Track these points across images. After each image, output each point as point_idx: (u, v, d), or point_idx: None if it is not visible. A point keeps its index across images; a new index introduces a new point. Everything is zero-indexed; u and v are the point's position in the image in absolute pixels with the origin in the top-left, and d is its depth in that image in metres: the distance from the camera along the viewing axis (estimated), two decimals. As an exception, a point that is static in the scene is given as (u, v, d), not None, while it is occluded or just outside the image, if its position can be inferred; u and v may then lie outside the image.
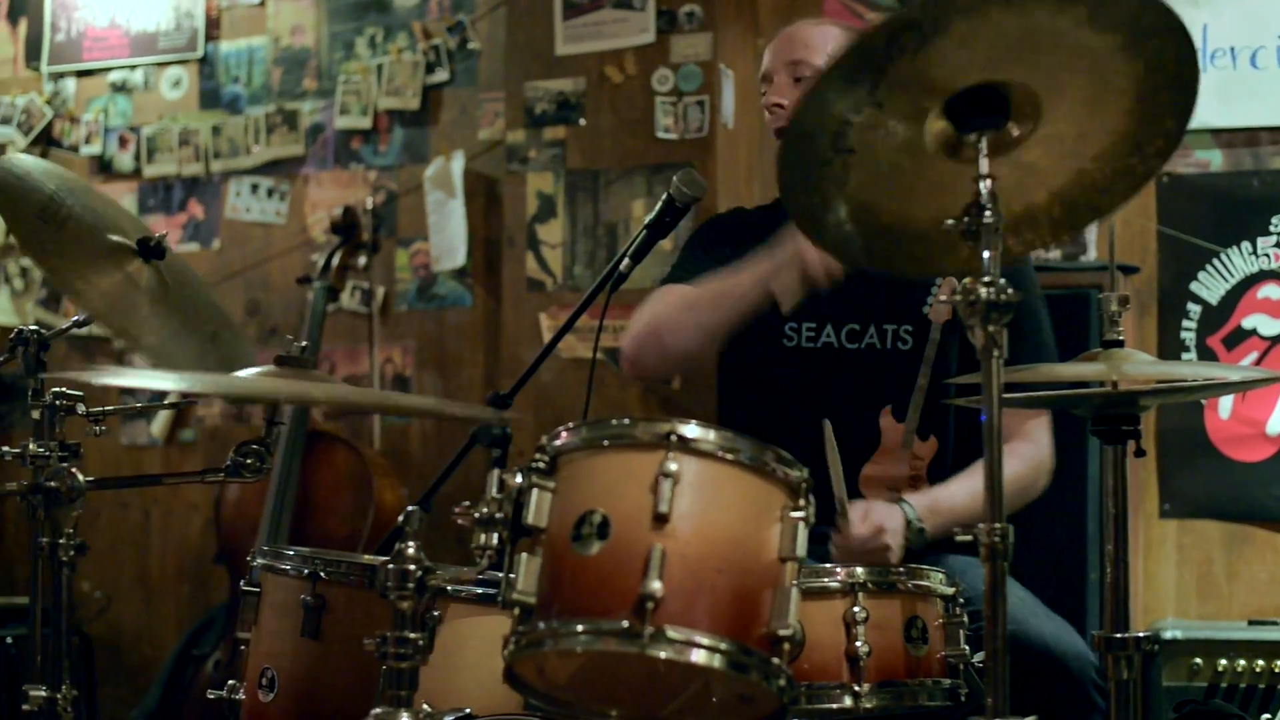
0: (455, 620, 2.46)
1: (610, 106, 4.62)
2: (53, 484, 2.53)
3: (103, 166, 5.43)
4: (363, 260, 4.72)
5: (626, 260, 3.37)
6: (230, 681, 2.67)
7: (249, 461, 2.41)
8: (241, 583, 2.74)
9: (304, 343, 2.38)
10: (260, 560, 2.71)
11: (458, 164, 4.83)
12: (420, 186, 4.91)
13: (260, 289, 5.09)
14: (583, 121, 4.63)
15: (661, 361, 3.28)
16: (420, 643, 2.20)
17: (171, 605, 5.16)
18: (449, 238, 4.83)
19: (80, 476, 2.55)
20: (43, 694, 2.63)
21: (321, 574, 2.57)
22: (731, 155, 4.54)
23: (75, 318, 3.11)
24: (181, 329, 2.84)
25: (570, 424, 2.18)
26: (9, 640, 4.79)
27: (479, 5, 4.95)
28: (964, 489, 3.05)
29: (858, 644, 2.36)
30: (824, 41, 3.25)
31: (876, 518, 2.86)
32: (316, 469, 4.34)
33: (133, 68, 5.42)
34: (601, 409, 3.79)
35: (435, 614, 2.23)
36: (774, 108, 3.26)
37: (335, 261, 4.65)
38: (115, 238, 2.89)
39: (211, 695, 2.69)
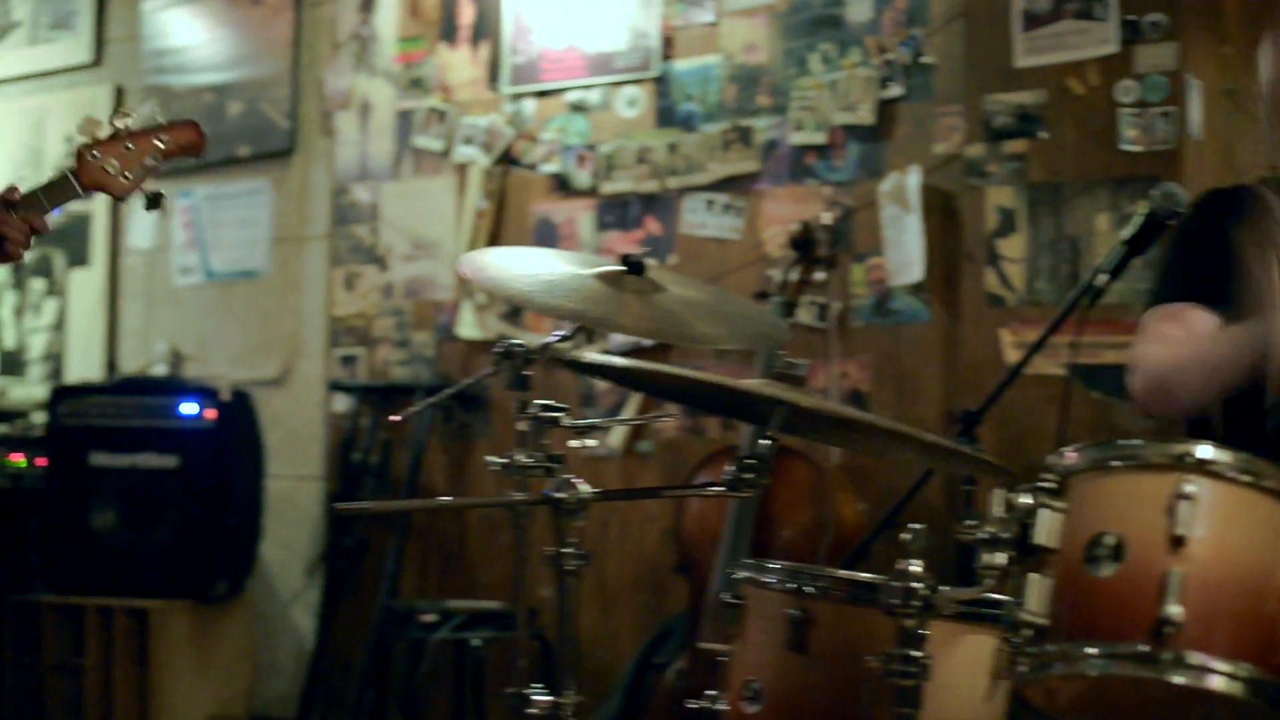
0: (935, 638, 2.50)
1: (1072, 119, 4.60)
2: (561, 495, 2.67)
3: (561, 184, 5.65)
4: (819, 276, 4.79)
5: (1103, 276, 3.37)
6: (710, 692, 2.77)
7: (749, 476, 2.50)
8: (721, 594, 2.84)
9: (804, 361, 2.46)
10: (743, 573, 2.81)
11: (914, 179, 4.87)
12: (875, 202, 4.97)
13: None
14: (1044, 134, 4.63)
15: (1171, 409, 3.10)
16: (925, 661, 2.26)
17: (628, 613, 5.34)
18: (905, 253, 4.88)
19: (585, 488, 2.68)
20: (547, 698, 2.77)
21: (807, 588, 2.65)
22: (1200, 168, 4.46)
23: (559, 332, 3.28)
24: (716, 316, 2.94)
25: (1078, 444, 2.21)
26: (476, 643, 5.04)
27: (934, 19, 4.98)
28: None
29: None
30: None
31: None
32: (776, 482, 4.41)
33: (589, 87, 5.63)
34: (1070, 429, 3.78)
35: (924, 632, 2.29)
36: None
37: (792, 277, 4.74)
38: (598, 269, 3.04)
39: (692, 705, 2.80)
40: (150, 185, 3.07)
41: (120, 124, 3.03)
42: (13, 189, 3.00)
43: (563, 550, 2.71)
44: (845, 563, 4.16)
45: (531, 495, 2.73)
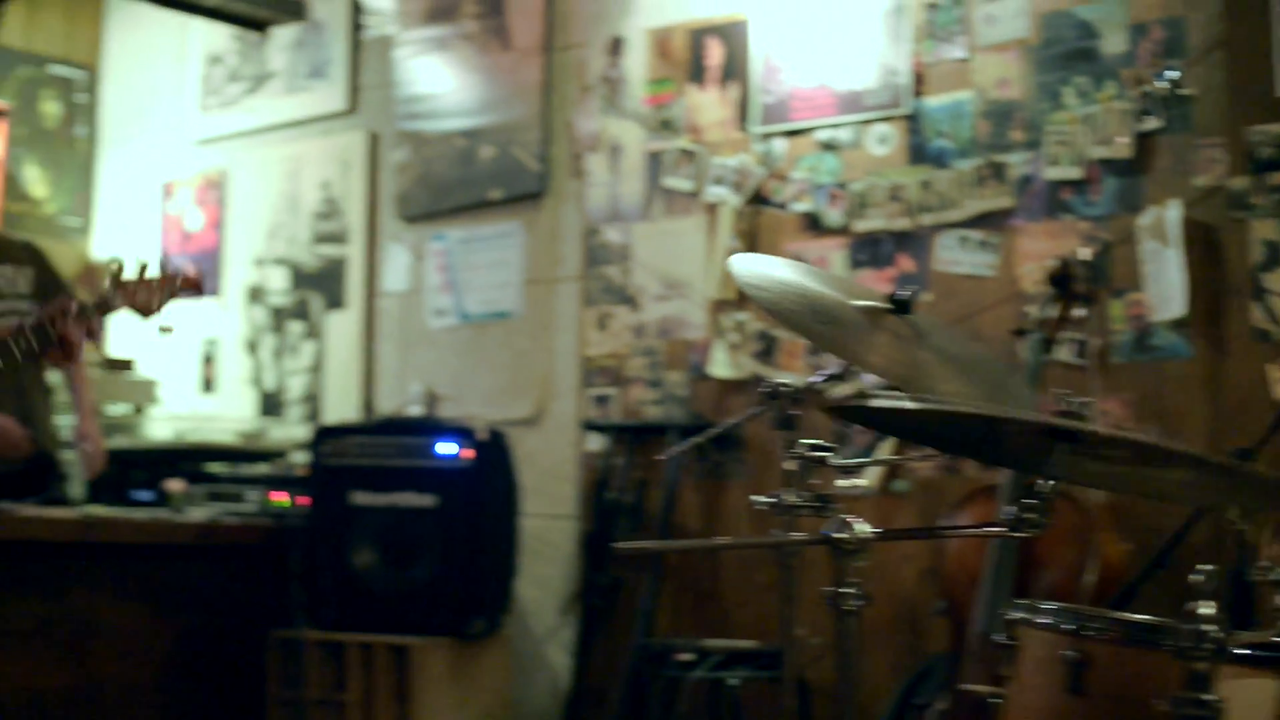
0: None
1: (1340, 149, 4.56)
2: (841, 535, 2.73)
3: (812, 223, 5.71)
4: (1078, 312, 4.79)
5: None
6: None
7: (1030, 517, 2.52)
8: (993, 634, 2.87)
9: (1087, 399, 2.48)
10: (1017, 614, 2.83)
11: (1174, 212, 4.85)
12: (1134, 236, 4.95)
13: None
14: (1310, 166, 4.59)
15: None
16: (1217, 705, 2.27)
17: (886, 653, 5.36)
18: (1166, 288, 4.85)
19: (864, 528, 2.73)
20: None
21: (1085, 630, 2.67)
22: None
23: (824, 372, 3.35)
24: (964, 375, 2.99)
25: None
26: (733, 682, 5.09)
27: (1192, 50, 4.95)
28: None
29: None
30: None
31: None
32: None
33: (840, 126, 5.69)
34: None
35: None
36: None
37: (1050, 314, 4.74)
38: (862, 302, 3.10)
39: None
40: (166, 317, 4.08)
41: (145, 272, 4.02)
42: (68, 300, 3.91)
43: (842, 590, 2.76)
44: (1113, 603, 4.15)
45: (810, 535, 2.78)
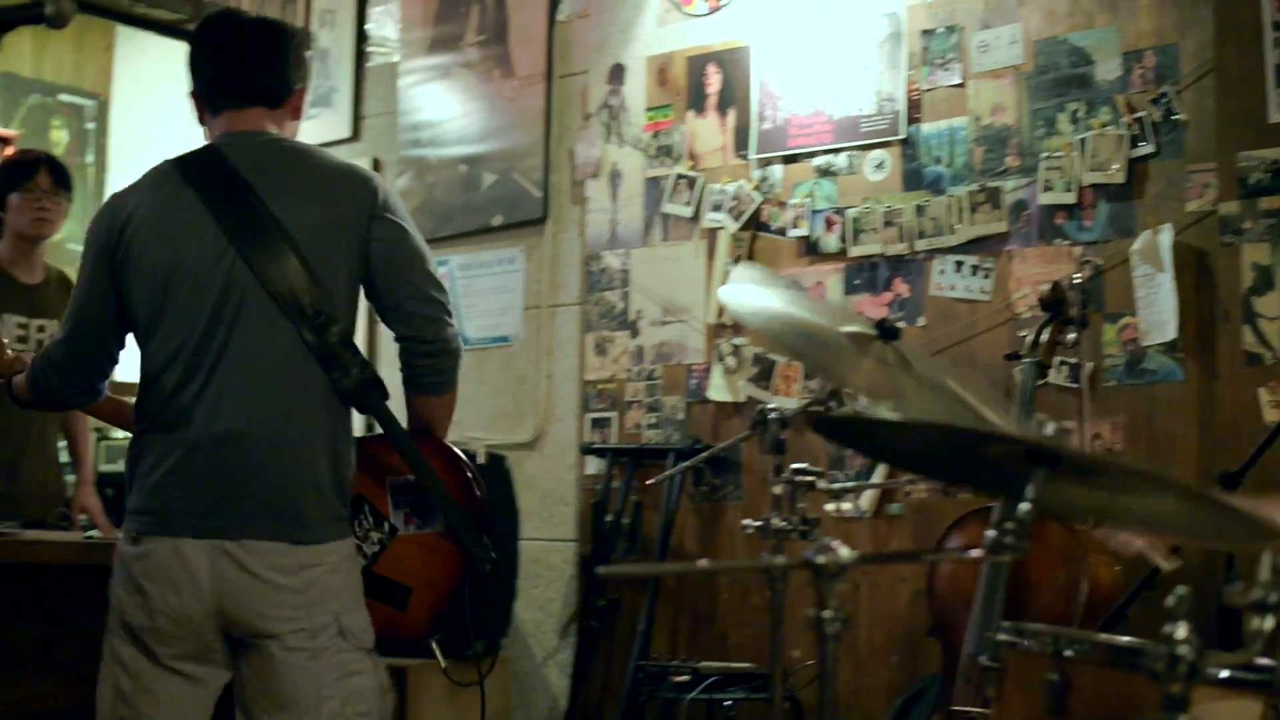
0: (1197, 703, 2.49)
1: (1331, 174, 4.56)
2: (821, 559, 2.71)
3: (809, 248, 5.72)
4: (1071, 336, 4.79)
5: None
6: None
7: (1009, 540, 2.51)
8: (979, 656, 2.86)
9: (1065, 424, 2.49)
10: (1002, 636, 2.82)
11: (1165, 237, 4.85)
12: (1127, 261, 4.96)
13: (966, 365, 5.24)
14: (1300, 190, 4.59)
15: None
16: (1195, 730, 2.25)
17: (879, 675, 5.36)
18: (1158, 312, 4.86)
19: (846, 552, 2.72)
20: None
21: (1067, 652, 2.65)
22: None
23: (811, 396, 3.35)
24: (942, 402, 3.01)
25: (1342, 502, 2.20)
26: (728, 703, 5.09)
27: (1184, 75, 4.96)
28: None
29: None
30: None
31: None
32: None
33: (836, 152, 5.70)
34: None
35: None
36: None
37: (1043, 338, 4.75)
38: (850, 329, 3.12)
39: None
40: None
41: None
42: None
43: (823, 614, 2.74)
44: (1102, 625, 4.14)
45: (791, 560, 2.77)
